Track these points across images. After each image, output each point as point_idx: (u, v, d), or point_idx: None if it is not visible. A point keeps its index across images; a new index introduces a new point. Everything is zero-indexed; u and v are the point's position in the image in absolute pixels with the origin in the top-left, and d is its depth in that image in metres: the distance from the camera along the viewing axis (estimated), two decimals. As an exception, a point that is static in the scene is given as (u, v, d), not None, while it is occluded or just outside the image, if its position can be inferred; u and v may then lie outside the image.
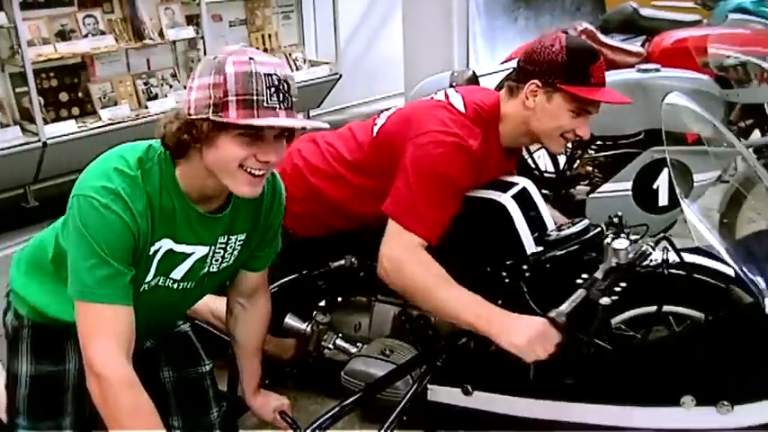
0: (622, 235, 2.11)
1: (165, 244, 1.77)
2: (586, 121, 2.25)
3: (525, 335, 1.99)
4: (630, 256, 2.04)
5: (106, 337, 1.64)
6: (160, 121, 1.70)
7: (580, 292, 2.03)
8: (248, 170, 1.65)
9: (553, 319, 2.00)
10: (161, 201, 1.71)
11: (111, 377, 1.63)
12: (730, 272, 2.12)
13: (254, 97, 1.55)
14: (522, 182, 2.40)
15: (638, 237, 2.20)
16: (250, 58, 1.57)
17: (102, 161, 1.70)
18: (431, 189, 2.16)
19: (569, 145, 3.54)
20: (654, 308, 2.23)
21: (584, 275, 2.12)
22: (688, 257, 2.21)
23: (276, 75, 1.59)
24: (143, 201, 1.67)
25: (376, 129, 2.36)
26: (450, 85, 3.45)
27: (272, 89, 1.57)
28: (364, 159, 2.35)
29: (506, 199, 2.29)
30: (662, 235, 2.26)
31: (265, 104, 1.57)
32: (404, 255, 2.13)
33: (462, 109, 2.26)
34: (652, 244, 2.14)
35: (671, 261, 2.16)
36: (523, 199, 2.34)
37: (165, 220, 1.73)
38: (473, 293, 2.14)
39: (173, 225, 1.75)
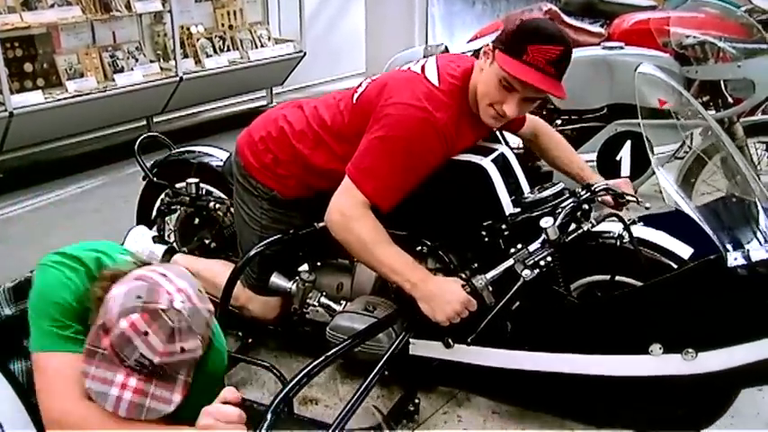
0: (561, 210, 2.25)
1: None
2: (514, 99, 2.22)
3: (442, 307, 2.21)
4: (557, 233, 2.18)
5: (62, 384, 1.67)
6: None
7: (508, 262, 2.21)
8: None
9: (474, 286, 2.20)
10: None
11: (72, 419, 1.64)
12: (676, 248, 2.27)
13: (122, 355, 1.59)
14: (501, 148, 2.50)
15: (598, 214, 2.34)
16: (145, 333, 1.57)
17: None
18: (390, 156, 2.24)
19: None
20: (607, 277, 2.38)
21: (519, 245, 2.26)
22: (642, 231, 2.32)
23: (153, 361, 1.59)
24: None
25: (356, 96, 2.42)
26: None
27: (140, 364, 1.60)
28: (345, 126, 2.41)
29: (487, 163, 2.39)
30: (612, 212, 2.38)
31: (126, 363, 1.60)
32: (352, 210, 2.26)
33: (436, 82, 2.31)
34: (594, 222, 2.26)
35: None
36: (501, 163, 2.45)
37: None
38: (407, 256, 2.29)
39: None
